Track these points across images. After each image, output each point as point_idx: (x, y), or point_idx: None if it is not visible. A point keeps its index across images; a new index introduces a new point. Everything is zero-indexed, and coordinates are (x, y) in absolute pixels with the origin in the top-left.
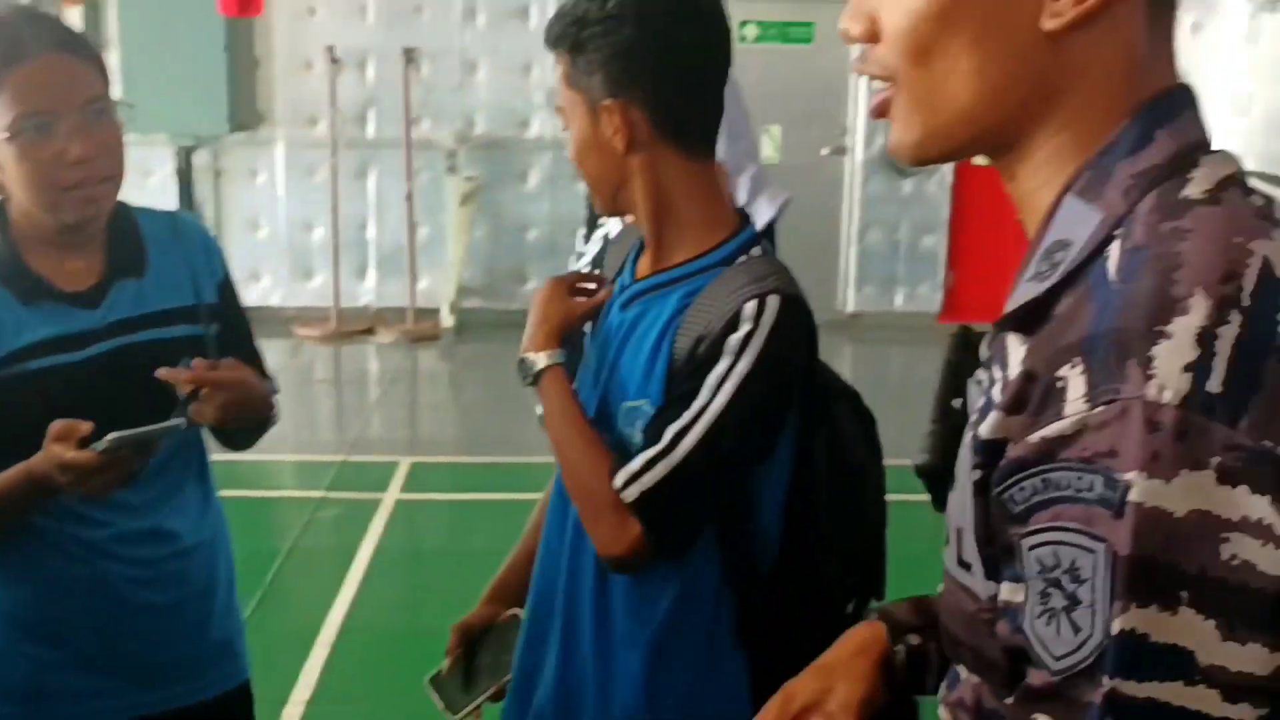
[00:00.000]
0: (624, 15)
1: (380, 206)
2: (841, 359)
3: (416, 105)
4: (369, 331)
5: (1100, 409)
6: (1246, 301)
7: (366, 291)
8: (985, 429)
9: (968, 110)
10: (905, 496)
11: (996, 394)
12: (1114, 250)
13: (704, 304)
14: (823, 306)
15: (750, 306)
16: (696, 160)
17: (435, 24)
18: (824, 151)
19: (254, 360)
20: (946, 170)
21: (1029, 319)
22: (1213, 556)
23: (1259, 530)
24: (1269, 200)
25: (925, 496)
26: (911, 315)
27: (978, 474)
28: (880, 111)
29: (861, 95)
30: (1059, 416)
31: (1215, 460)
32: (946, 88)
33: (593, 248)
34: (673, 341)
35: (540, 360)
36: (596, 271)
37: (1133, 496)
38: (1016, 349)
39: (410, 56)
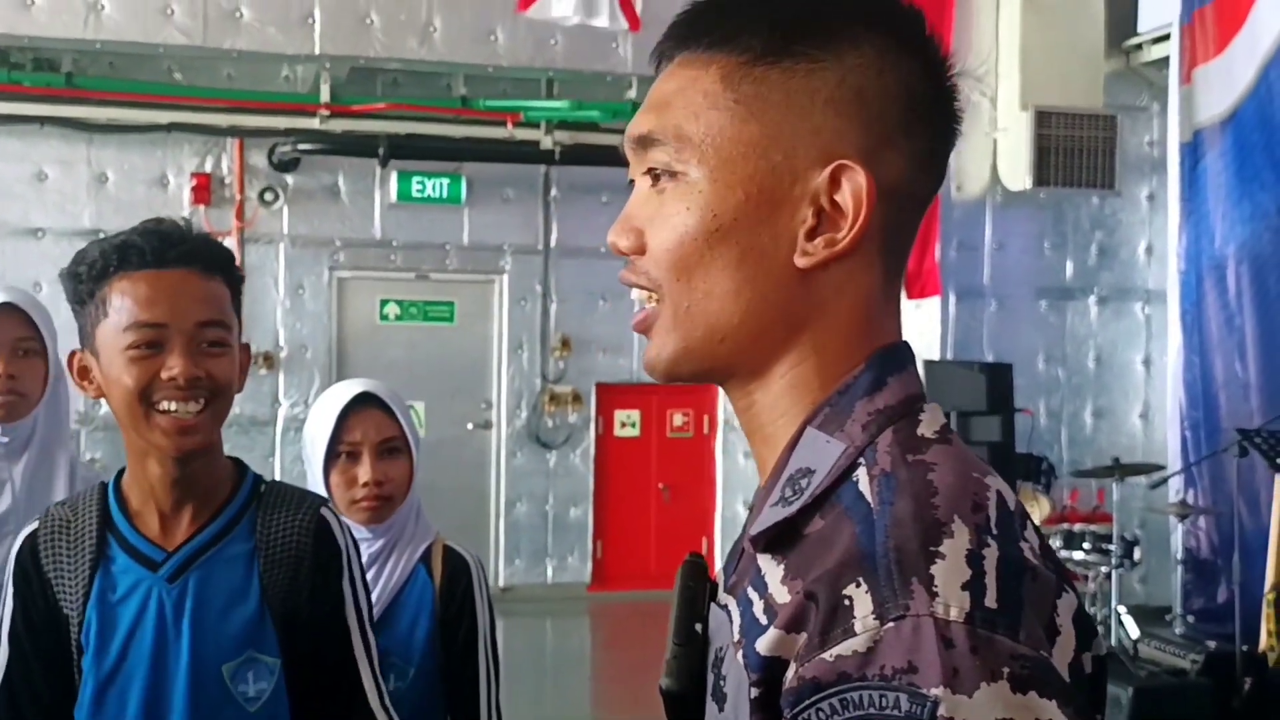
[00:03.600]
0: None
1: None
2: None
3: None
4: None
5: (891, 625)
6: (995, 530)
7: None
8: (763, 645)
9: (724, 329)
10: None
11: (759, 613)
12: (861, 476)
13: (273, 537)
14: None
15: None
16: None
17: (57, 302)
18: (469, 426)
19: None
20: (590, 442)
21: (779, 540)
22: None
23: None
24: None
25: None
26: (563, 586)
27: (756, 691)
28: (643, 328)
29: (504, 371)
30: (850, 634)
31: (1006, 670)
32: (706, 306)
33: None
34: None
35: None
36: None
37: (942, 712)
38: (773, 569)
39: None
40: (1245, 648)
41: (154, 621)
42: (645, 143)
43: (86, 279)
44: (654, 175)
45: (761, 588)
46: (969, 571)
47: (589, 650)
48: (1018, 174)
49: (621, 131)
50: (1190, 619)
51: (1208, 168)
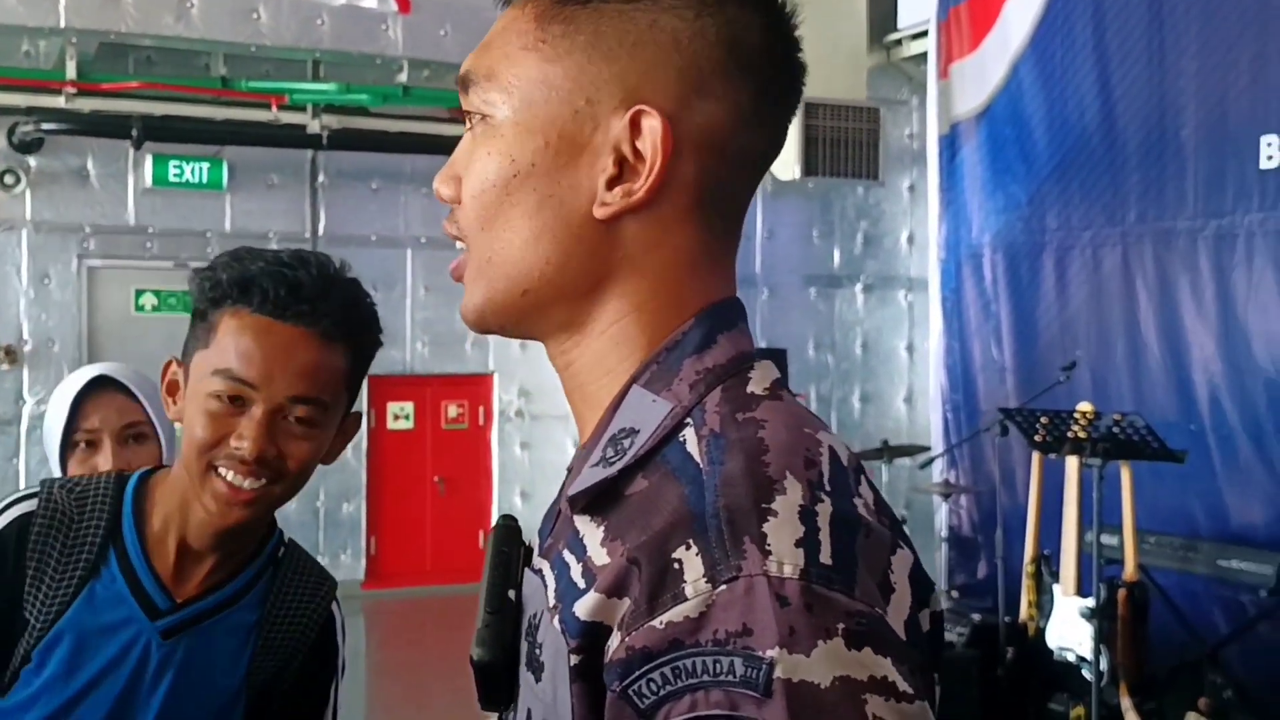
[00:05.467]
0: None
1: None
2: None
3: None
4: None
5: (724, 587)
6: (828, 486)
7: None
8: (583, 610)
9: (524, 281)
10: None
11: (577, 576)
12: (689, 436)
13: (279, 618)
14: None
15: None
16: None
17: None
18: None
19: None
20: (362, 435)
21: (598, 501)
22: (859, 718)
23: (885, 688)
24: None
25: None
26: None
27: (576, 658)
28: (457, 275)
29: None
30: (680, 599)
31: (841, 627)
32: (505, 254)
33: None
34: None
35: None
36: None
37: (779, 674)
38: (592, 531)
39: None
40: (1008, 619)
41: (130, 672)
42: (464, 84)
43: (205, 298)
44: (471, 118)
45: (579, 550)
46: (802, 528)
47: (364, 649)
48: (787, 164)
49: (392, 116)
50: (955, 594)
51: (964, 160)
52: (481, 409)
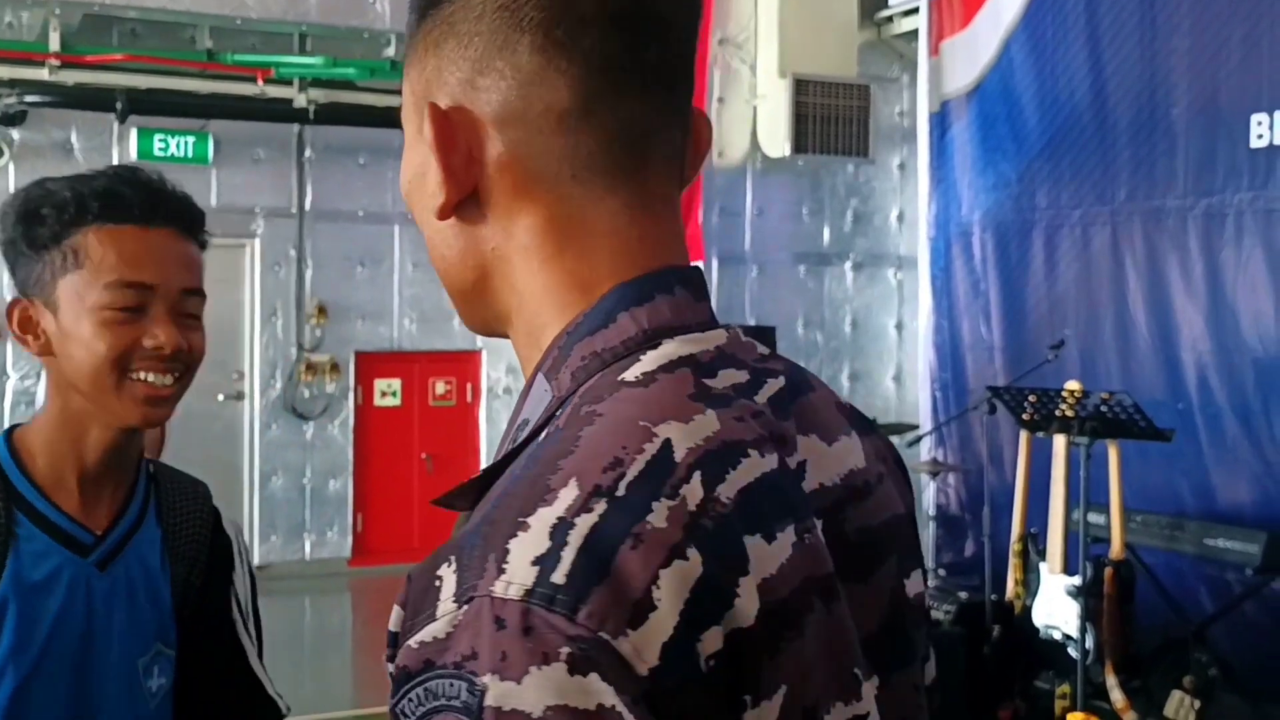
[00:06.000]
0: None
1: None
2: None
3: None
4: None
5: (466, 607)
6: (621, 491)
7: None
8: (391, 619)
9: (444, 281)
10: None
11: None
12: (545, 433)
13: (176, 525)
14: None
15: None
16: None
17: None
18: (220, 398)
19: None
20: (349, 412)
21: (478, 500)
22: None
23: (611, 717)
24: (753, 379)
25: None
26: (322, 562)
27: (391, 667)
28: None
29: (257, 342)
30: (431, 618)
31: (564, 652)
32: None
33: None
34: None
35: None
36: None
37: (488, 701)
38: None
39: None
40: (994, 597)
41: (83, 614)
42: None
43: (53, 222)
44: None
45: None
46: (548, 544)
47: (350, 627)
48: (777, 141)
49: (379, 91)
50: (942, 572)
51: (954, 138)
52: (469, 386)
